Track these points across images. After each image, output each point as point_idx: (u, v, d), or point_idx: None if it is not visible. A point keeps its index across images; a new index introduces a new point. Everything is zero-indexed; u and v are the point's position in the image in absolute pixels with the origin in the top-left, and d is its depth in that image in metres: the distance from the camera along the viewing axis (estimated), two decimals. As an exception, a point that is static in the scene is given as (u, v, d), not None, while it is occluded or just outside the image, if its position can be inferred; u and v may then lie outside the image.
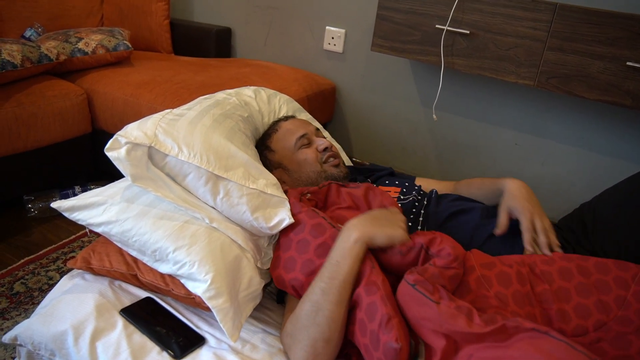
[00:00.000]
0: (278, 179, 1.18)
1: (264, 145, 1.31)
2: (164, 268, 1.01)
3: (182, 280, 1.00)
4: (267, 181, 1.08)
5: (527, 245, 1.03)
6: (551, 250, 1.02)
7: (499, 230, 1.08)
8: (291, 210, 1.06)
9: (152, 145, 1.02)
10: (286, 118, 1.35)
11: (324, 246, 0.97)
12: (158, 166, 1.05)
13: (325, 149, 1.25)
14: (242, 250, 1.04)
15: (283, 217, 1.06)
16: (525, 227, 1.05)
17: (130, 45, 2.13)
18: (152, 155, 1.04)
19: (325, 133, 1.61)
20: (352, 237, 0.92)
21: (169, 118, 1.10)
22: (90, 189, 1.95)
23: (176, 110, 1.16)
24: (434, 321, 0.81)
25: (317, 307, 0.88)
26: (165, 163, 1.04)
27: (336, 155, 1.27)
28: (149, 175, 1.03)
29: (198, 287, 0.95)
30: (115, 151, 0.99)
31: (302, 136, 1.26)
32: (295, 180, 1.23)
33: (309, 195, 1.13)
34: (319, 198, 1.15)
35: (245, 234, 1.07)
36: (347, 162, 1.65)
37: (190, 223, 1.02)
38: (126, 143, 1.00)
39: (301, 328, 0.89)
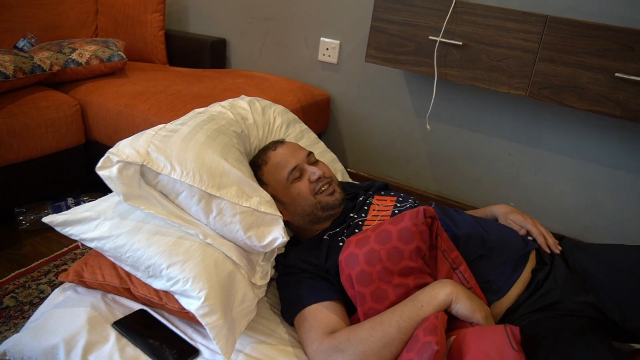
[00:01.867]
0: None
1: (256, 177, 1.27)
2: (157, 284, 1.01)
3: (176, 296, 0.99)
4: (260, 199, 1.08)
5: (545, 248, 1.18)
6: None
7: (522, 232, 1.22)
8: None
9: (144, 163, 1.01)
10: (275, 146, 1.27)
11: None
12: (150, 184, 1.05)
13: (318, 179, 1.21)
14: (236, 266, 1.04)
15: (276, 235, 1.05)
16: (536, 233, 1.20)
17: (124, 56, 2.13)
18: (145, 173, 1.03)
19: (320, 144, 1.62)
20: (445, 289, 0.95)
21: (162, 134, 1.09)
22: (84, 201, 1.98)
23: (169, 126, 1.15)
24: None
25: (389, 341, 0.91)
26: (157, 181, 1.04)
27: (330, 182, 1.23)
28: (141, 194, 1.02)
29: (192, 304, 0.95)
30: (107, 170, 0.99)
31: (293, 169, 1.20)
32: (292, 213, 1.20)
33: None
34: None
35: (239, 249, 1.07)
36: (343, 173, 1.65)
37: (184, 239, 1.02)
38: (118, 161, 0.99)
39: (364, 352, 0.91)
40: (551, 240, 1.19)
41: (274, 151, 1.26)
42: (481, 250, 1.10)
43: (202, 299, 0.93)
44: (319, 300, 1.05)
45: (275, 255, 1.18)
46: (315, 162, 1.27)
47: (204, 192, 1.02)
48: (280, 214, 1.08)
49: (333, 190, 1.22)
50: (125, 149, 1.02)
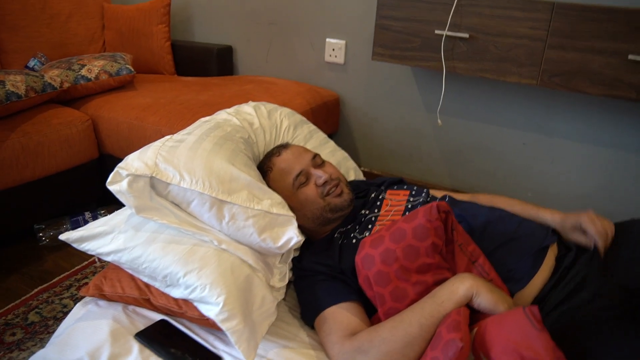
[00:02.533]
0: None
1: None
2: (175, 293, 1.02)
3: (195, 304, 1.00)
4: (272, 201, 1.08)
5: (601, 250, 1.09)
6: None
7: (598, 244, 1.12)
8: None
9: (154, 175, 1.02)
10: (279, 151, 1.26)
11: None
12: (161, 195, 1.06)
13: (325, 183, 1.19)
14: (252, 269, 1.04)
15: (291, 235, 1.06)
16: (596, 233, 1.10)
17: (132, 69, 2.15)
18: (155, 184, 1.04)
19: (330, 143, 1.62)
20: (465, 283, 0.93)
21: (169, 145, 1.10)
22: (101, 214, 2.00)
23: (176, 136, 1.16)
24: (523, 344, 0.82)
25: (411, 340, 0.90)
26: (168, 192, 1.05)
27: (338, 183, 1.21)
28: (152, 205, 1.03)
29: (211, 310, 0.95)
30: (117, 184, 1.01)
31: (299, 175, 1.19)
32: (301, 217, 1.19)
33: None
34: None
35: (255, 253, 1.07)
36: (356, 170, 1.64)
37: (199, 246, 1.03)
38: (127, 175, 1.01)
39: (387, 352, 0.91)
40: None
41: (278, 157, 1.25)
42: (500, 240, 1.09)
43: (221, 305, 0.94)
44: (337, 302, 1.04)
45: (292, 256, 1.18)
46: (322, 164, 1.26)
47: (215, 198, 1.03)
48: (292, 214, 1.08)
49: (341, 191, 1.21)
50: (133, 163, 1.03)
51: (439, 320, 0.91)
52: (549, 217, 1.21)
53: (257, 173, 1.17)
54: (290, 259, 1.18)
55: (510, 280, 1.05)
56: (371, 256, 0.99)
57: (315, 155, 1.25)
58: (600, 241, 1.09)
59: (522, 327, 0.84)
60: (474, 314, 0.96)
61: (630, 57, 1.49)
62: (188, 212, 1.06)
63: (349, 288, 1.08)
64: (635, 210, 1.90)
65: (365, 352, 0.92)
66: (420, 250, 0.97)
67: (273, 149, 1.32)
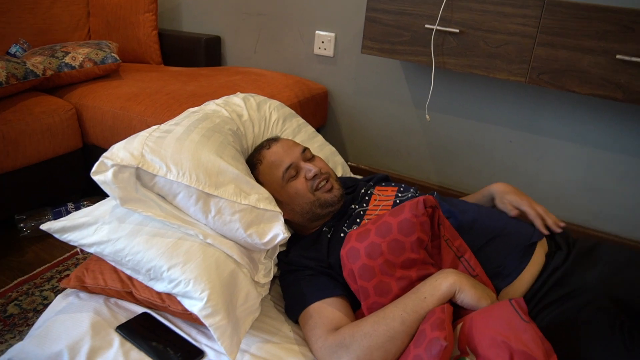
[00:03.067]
0: None
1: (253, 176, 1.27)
2: (159, 286, 1.00)
3: (179, 298, 0.99)
4: (259, 195, 1.07)
5: (543, 230, 1.13)
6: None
7: (513, 212, 1.19)
8: None
9: (139, 166, 1.01)
10: (269, 144, 1.26)
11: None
12: (147, 186, 1.04)
13: (315, 177, 1.18)
14: (237, 265, 1.03)
15: (277, 232, 1.05)
16: (534, 215, 1.16)
17: (118, 58, 2.12)
18: (140, 175, 1.03)
19: (318, 137, 1.62)
20: (448, 279, 0.94)
21: (156, 136, 1.08)
22: (84, 205, 1.97)
23: (164, 127, 1.14)
24: (511, 336, 0.82)
25: (393, 334, 0.91)
26: (154, 183, 1.03)
27: (327, 178, 1.21)
28: (138, 197, 1.02)
29: (194, 306, 0.94)
30: (102, 174, 0.99)
31: (288, 168, 1.18)
32: (290, 212, 1.19)
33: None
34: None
35: (240, 248, 1.06)
36: (344, 165, 1.64)
37: (184, 240, 1.01)
38: (112, 165, 0.99)
39: (368, 347, 0.91)
40: (550, 221, 1.15)
41: (268, 150, 1.24)
42: (488, 236, 1.09)
43: (205, 300, 0.93)
44: (322, 297, 1.04)
45: (277, 252, 1.17)
46: (312, 158, 1.25)
47: (202, 191, 1.02)
48: (280, 210, 1.07)
49: (331, 187, 1.20)
50: (119, 152, 1.02)
51: (421, 316, 0.91)
52: (493, 187, 1.28)
53: (245, 166, 1.16)
54: (276, 255, 1.18)
55: (498, 276, 1.05)
56: (356, 249, 0.99)
57: (305, 149, 1.24)
58: (537, 220, 1.15)
59: (510, 319, 0.84)
60: (459, 310, 0.96)
61: (619, 57, 1.50)
62: (174, 205, 1.05)
63: (335, 282, 1.08)
64: (619, 210, 1.92)
65: (346, 346, 0.92)
66: (406, 245, 0.97)
67: (263, 142, 1.31)
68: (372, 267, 0.97)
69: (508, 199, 1.21)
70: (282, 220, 1.07)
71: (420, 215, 0.98)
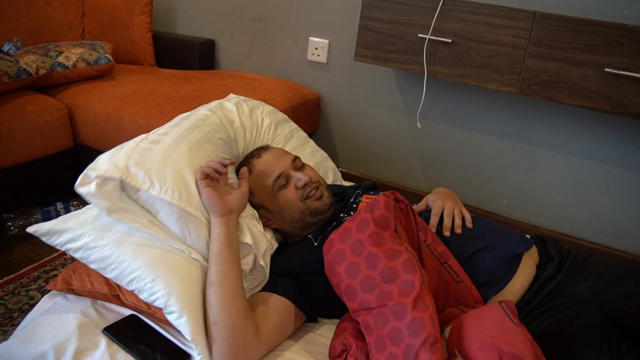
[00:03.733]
0: (263, 217, 1.19)
1: None
2: (141, 296, 1.00)
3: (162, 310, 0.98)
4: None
5: (431, 227, 1.14)
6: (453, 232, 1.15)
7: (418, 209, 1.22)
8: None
9: (124, 178, 0.99)
10: (259, 153, 1.25)
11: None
12: (132, 198, 1.03)
13: (305, 185, 1.18)
14: None
15: (248, 265, 1.05)
16: (432, 212, 1.17)
17: (112, 59, 2.12)
18: (125, 188, 1.01)
19: (310, 143, 1.61)
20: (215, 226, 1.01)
21: (143, 147, 1.07)
22: (73, 206, 1.96)
23: (152, 136, 1.12)
24: (501, 339, 0.82)
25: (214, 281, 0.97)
26: (138, 197, 1.02)
27: (318, 186, 1.21)
28: (124, 207, 1.01)
29: (176, 321, 0.94)
30: (86, 186, 0.98)
31: (278, 177, 1.19)
32: (280, 220, 1.20)
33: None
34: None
35: None
36: (335, 171, 1.64)
37: (170, 252, 1.01)
38: (96, 177, 0.98)
39: (226, 318, 0.95)
40: (445, 224, 1.14)
41: (257, 159, 1.24)
42: (477, 245, 1.10)
43: (185, 317, 0.93)
44: (274, 291, 1.07)
45: (265, 269, 1.16)
46: (302, 167, 1.25)
47: (182, 209, 1.01)
48: (250, 243, 1.06)
49: (321, 195, 1.20)
50: (103, 164, 1.01)
51: (222, 257, 0.98)
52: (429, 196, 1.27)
53: (235, 179, 1.16)
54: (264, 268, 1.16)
55: (486, 285, 1.06)
56: (342, 250, 0.99)
57: (296, 158, 1.24)
58: (433, 218, 1.16)
59: (500, 322, 0.84)
60: (445, 313, 0.96)
61: (607, 69, 1.52)
62: (157, 220, 1.04)
63: (294, 286, 1.09)
64: (609, 221, 1.94)
65: (213, 323, 0.95)
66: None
67: (253, 150, 1.31)
68: (358, 263, 0.96)
69: (428, 197, 1.24)
70: (254, 253, 1.07)
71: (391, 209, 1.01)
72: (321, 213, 1.19)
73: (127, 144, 1.08)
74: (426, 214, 1.21)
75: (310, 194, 1.19)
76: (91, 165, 1.01)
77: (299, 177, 1.19)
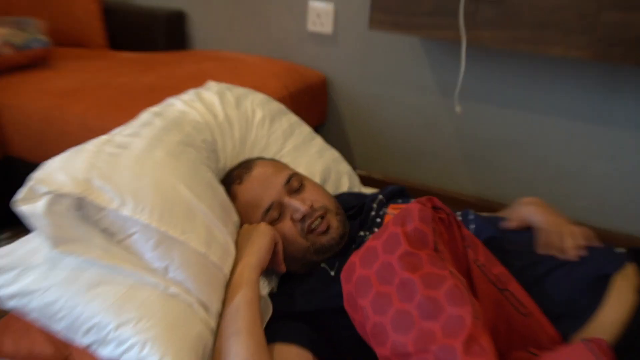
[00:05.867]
0: None
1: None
2: (104, 351, 0.97)
3: None
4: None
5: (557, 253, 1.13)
6: None
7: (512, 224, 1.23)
8: None
9: (84, 196, 0.99)
10: (240, 178, 1.29)
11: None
12: (90, 220, 1.02)
13: (304, 218, 1.21)
14: (206, 323, 1.04)
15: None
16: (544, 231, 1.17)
17: (47, 41, 2.12)
18: (83, 206, 1.01)
19: (317, 140, 1.63)
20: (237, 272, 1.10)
21: (108, 152, 1.08)
22: (2, 240, 1.91)
23: (118, 138, 1.14)
24: None
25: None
26: (101, 217, 1.02)
27: (323, 214, 1.22)
28: (76, 235, 1.00)
29: None
30: (31, 205, 0.97)
31: (269, 209, 1.22)
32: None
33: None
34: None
35: None
36: (350, 175, 1.67)
37: (138, 288, 1.00)
38: (47, 193, 0.96)
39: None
40: (569, 244, 1.12)
41: (239, 185, 1.27)
42: (548, 264, 1.09)
43: None
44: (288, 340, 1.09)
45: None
46: (300, 189, 1.26)
47: (164, 233, 1.02)
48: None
49: (328, 226, 1.21)
50: (57, 175, 1.00)
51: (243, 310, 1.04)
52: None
53: (221, 192, 1.21)
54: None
55: (564, 317, 1.04)
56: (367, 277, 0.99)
57: (291, 177, 1.26)
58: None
59: None
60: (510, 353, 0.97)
61: None
62: (123, 246, 1.04)
63: (309, 331, 1.12)
64: None
65: None
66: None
67: (233, 170, 1.34)
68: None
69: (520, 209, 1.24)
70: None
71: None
72: (329, 250, 1.22)
73: (84, 148, 1.09)
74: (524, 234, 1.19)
75: (314, 226, 1.21)
76: (39, 176, 1.00)
77: (296, 208, 1.21)
